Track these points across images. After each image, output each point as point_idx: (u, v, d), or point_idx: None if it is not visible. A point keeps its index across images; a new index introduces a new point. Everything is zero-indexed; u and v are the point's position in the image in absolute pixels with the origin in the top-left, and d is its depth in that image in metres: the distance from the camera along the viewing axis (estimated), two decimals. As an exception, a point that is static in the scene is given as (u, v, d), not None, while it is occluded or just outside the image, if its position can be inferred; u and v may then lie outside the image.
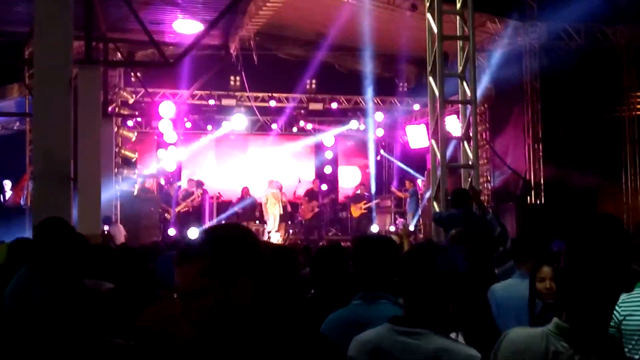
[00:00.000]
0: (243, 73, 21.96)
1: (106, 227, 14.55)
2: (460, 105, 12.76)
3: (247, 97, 23.82)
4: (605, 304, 2.42)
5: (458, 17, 12.22)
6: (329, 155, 26.67)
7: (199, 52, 18.72)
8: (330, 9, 18.89)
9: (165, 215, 20.96)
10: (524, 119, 19.84)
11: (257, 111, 24.66)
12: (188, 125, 24.78)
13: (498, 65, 19.27)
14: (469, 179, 11.85)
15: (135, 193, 20.38)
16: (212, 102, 24.00)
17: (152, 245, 12.92)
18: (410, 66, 23.33)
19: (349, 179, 27.20)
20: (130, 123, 22.62)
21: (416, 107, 24.42)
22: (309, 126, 25.96)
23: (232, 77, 23.01)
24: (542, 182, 19.70)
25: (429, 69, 11.93)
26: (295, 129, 26.09)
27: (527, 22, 18.99)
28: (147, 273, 5.39)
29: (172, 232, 19.86)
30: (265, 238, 21.66)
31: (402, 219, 21.94)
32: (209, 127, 25.13)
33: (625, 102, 19.85)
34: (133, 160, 20.90)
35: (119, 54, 19.30)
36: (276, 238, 21.09)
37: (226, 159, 25.68)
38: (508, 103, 20.12)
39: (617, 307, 4.64)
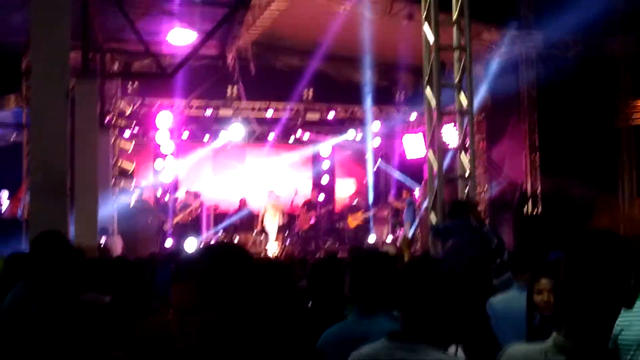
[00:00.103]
0: (240, 83, 21.96)
1: (103, 239, 14.53)
2: (457, 115, 12.76)
3: (244, 107, 23.81)
4: (604, 321, 2.42)
5: (454, 27, 12.23)
6: (326, 165, 26.66)
7: (196, 63, 18.74)
8: (327, 18, 18.90)
9: (164, 226, 20.94)
10: (521, 129, 19.86)
11: (254, 121, 24.65)
12: (185, 135, 24.78)
13: (495, 75, 19.29)
14: (466, 190, 11.84)
15: (133, 204, 20.35)
16: (209, 112, 23.97)
17: (149, 257, 12.91)
18: (407, 75, 23.34)
19: (345, 190, 27.19)
20: (127, 134, 22.60)
21: (413, 116, 24.43)
22: (306, 136, 25.96)
23: (229, 87, 22.99)
24: (539, 192, 19.71)
25: (425, 79, 11.94)
26: (292, 139, 26.08)
27: (523, 32, 19.01)
28: (144, 285, 5.38)
29: (169, 243, 19.83)
30: (263, 249, 21.68)
31: (402, 231, 21.92)
32: (206, 138, 25.13)
33: (622, 111, 19.88)
34: (130, 171, 20.88)
35: (116, 65, 19.31)
36: (273, 249, 21.07)
37: (223, 170, 25.65)
38: (505, 112, 20.13)
39: (615, 320, 4.64)
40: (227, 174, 25.47)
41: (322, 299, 4.92)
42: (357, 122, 25.60)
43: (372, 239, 22.90)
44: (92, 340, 3.48)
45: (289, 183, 23.98)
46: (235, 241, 21.66)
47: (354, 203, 24.54)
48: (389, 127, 25.68)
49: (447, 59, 14.09)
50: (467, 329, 3.15)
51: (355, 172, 27.56)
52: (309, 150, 26.38)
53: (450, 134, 18.06)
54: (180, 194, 23.26)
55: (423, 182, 20.33)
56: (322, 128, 26.03)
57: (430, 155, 11.80)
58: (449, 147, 13.69)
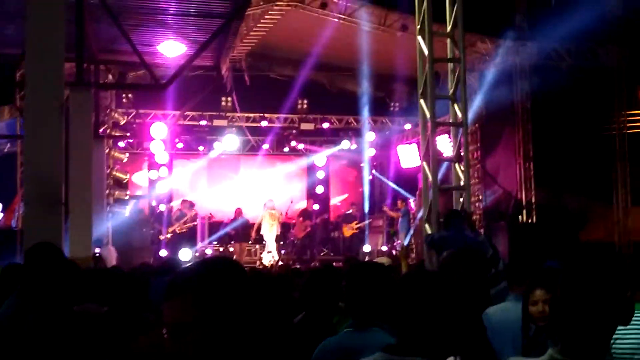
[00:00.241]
0: (234, 94, 21.98)
1: (97, 250, 14.50)
2: (451, 126, 12.78)
3: (239, 117, 23.83)
4: (601, 337, 2.41)
5: (448, 39, 12.26)
6: (320, 175, 26.68)
7: (190, 73, 18.74)
8: (321, 29, 18.95)
9: (159, 236, 20.92)
10: (515, 139, 19.88)
11: (248, 131, 24.68)
12: (180, 145, 24.80)
13: (489, 85, 19.32)
14: (461, 200, 11.85)
15: (127, 214, 20.31)
16: (203, 122, 24.01)
17: (141, 266, 12.87)
18: (402, 86, 23.38)
19: (340, 199, 27.22)
20: (121, 144, 22.61)
21: (407, 126, 24.48)
22: (301, 146, 25.99)
23: (223, 98, 23.02)
24: (533, 201, 19.72)
25: (419, 90, 11.96)
26: (286, 149, 26.12)
27: (517, 42, 19.05)
28: (139, 296, 5.37)
29: (163, 253, 19.80)
30: (258, 258, 21.66)
31: (399, 241, 21.91)
32: (201, 148, 25.17)
33: (616, 120, 19.91)
34: (124, 181, 20.86)
35: (110, 76, 19.30)
36: (268, 258, 21.05)
37: (218, 180, 25.67)
38: (499, 122, 20.15)
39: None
40: (221, 184, 25.49)
41: (316, 310, 4.91)
42: (352, 132, 25.64)
43: (367, 248, 22.89)
44: (86, 352, 3.46)
45: (283, 193, 23.97)
46: (231, 250, 21.66)
47: (349, 212, 24.54)
48: (383, 137, 25.72)
49: (441, 69, 14.12)
50: (464, 341, 3.14)
51: (349, 181, 27.59)
52: (303, 160, 26.41)
53: (445, 144, 18.08)
54: (175, 204, 23.24)
55: (418, 192, 20.34)
56: (317, 138, 26.09)
57: (425, 166, 11.81)
58: (444, 156, 13.68)
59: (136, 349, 4.15)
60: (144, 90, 21.65)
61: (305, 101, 24.44)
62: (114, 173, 19.94)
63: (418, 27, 12.16)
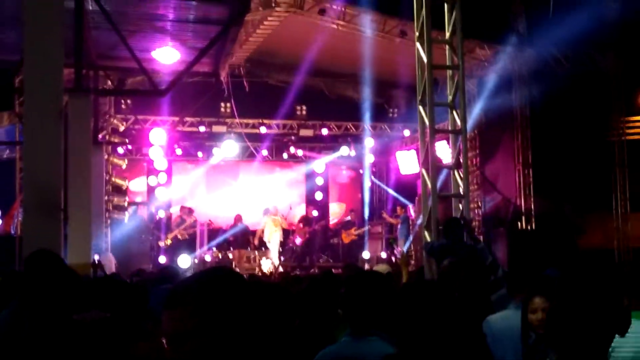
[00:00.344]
0: (233, 100, 21.98)
1: (97, 256, 14.49)
2: (450, 133, 12.77)
3: (238, 123, 23.83)
4: (598, 347, 2.41)
5: (447, 47, 12.25)
6: (319, 181, 26.69)
7: (189, 80, 18.76)
8: (320, 35, 18.96)
9: (159, 242, 20.92)
10: (514, 145, 19.87)
11: (247, 138, 24.67)
12: (178, 152, 24.81)
13: (488, 92, 19.33)
14: (460, 207, 11.84)
15: (126, 221, 20.32)
16: (202, 128, 24.01)
17: (137, 272, 12.87)
18: (401, 92, 23.39)
19: (339, 206, 27.23)
20: (120, 150, 22.61)
21: (406, 133, 24.49)
22: (300, 152, 26.00)
23: (222, 104, 23.01)
24: (532, 207, 19.71)
25: (418, 97, 11.95)
26: (285, 156, 26.13)
27: (516, 48, 19.06)
28: (137, 304, 5.36)
29: (162, 259, 19.79)
30: (257, 265, 21.61)
31: (399, 248, 21.90)
32: (200, 154, 25.18)
33: (615, 127, 19.92)
34: (123, 187, 20.86)
35: (109, 82, 19.31)
36: (267, 265, 21.01)
37: (217, 186, 25.66)
38: (498, 129, 20.16)
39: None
40: (220, 190, 25.49)
41: (314, 318, 4.90)
42: (351, 138, 25.65)
43: (366, 254, 22.88)
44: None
45: (282, 199, 23.96)
46: (230, 257, 21.63)
47: (348, 219, 24.53)
48: (382, 143, 25.73)
49: (440, 75, 14.12)
50: (463, 350, 3.13)
51: (349, 188, 27.60)
52: (302, 167, 26.42)
53: (444, 151, 18.08)
54: (174, 210, 23.24)
55: (417, 199, 20.34)
56: (316, 144, 26.09)
57: (424, 173, 11.80)
58: (443, 163, 13.67)
59: (135, 356, 4.14)
60: (143, 96, 21.67)
61: (304, 107, 24.44)
62: (112, 179, 19.94)
63: (417, 33, 12.15)
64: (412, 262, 18.95)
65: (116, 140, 20.72)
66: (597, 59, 19.59)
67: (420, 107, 11.94)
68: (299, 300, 5.30)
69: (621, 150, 19.78)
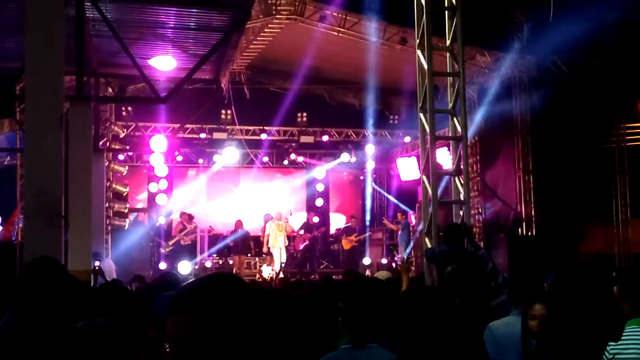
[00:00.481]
0: (233, 107, 21.99)
1: (97, 263, 14.48)
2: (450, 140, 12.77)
3: (238, 130, 23.85)
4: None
5: (448, 54, 12.26)
6: (320, 187, 26.71)
7: (190, 86, 18.77)
8: (320, 42, 19.00)
9: (160, 249, 20.93)
10: (514, 151, 19.89)
11: (248, 144, 24.69)
12: (179, 158, 24.85)
13: (488, 98, 19.35)
14: (461, 214, 11.83)
15: (127, 227, 20.32)
16: (203, 135, 24.05)
17: (134, 278, 12.88)
18: (401, 99, 23.42)
19: (340, 212, 27.25)
20: (121, 157, 22.63)
21: (407, 139, 24.51)
22: (300, 159, 26.02)
23: (223, 111, 23.05)
24: (532, 214, 19.72)
25: (419, 105, 11.93)
26: (286, 162, 26.16)
27: (516, 55, 19.10)
28: (139, 311, 5.36)
29: (163, 266, 19.78)
30: (258, 270, 21.61)
31: (399, 254, 21.90)
32: (200, 161, 25.23)
33: (615, 133, 19.96)
34: (124, 194, 20.85)
35: (110, 89, 19.33)
36: (268, 271, 21.01)
37: (218, 192, 25.68)
38: (498, 135, 20.18)
39: (607, 346, 4.64)
40: (221, 197, 25.51)
41: (314, 325, 4.90)
42: (351, 145, 25.67)
43: (367, 260, 22.88)
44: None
45: (283, 206, 23.94)
46: (230, 263, 21.64)
47: (349, 225, 24.53)
48: (383, 150, 25.76)
49: (440, 82, 14.12)
50: (464, 357, 3.13)
51: (349, 194, 27.61)
52: (303, 173, 26.44)
53: (444, 157, 18.09)
54: (175, 217, 23.25)
55: (417, 205, 20.33)
56: (317, 151, 26.13)
57: (424, 179, 11.79)
58: (443, 169, 13.68)
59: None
60: (144, 104, 21.69)
61: (304, 114, 24.49)
62: (113, 186, 19.93)
63: (417, 40, 12.15)
64: (413, 268, 18.93)
65: (117, 147, 20.71)
66: (597, 66, 19.63)
67: (421, 114, 11.93)
68: (299, 307, 5.31)
69: (621, 157, 19.82)
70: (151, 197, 24.22)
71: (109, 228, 19.05)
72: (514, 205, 19.78)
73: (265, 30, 18.92)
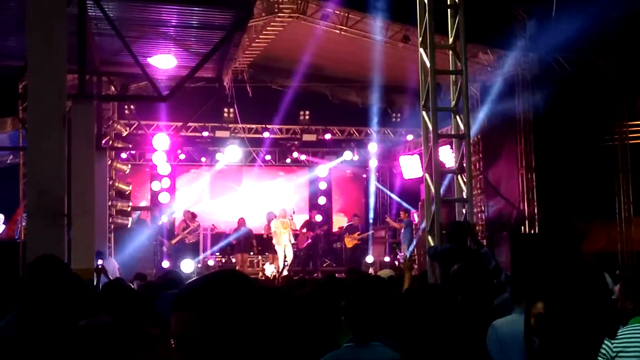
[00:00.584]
0: (236, 105, 22.00)
1: (100, 262, 14.50)
2: (453, 138, 12.78)
3: (241, 128, 23.85)
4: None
5: (450, 52, 12.26)
6: (323, 186, 26.70)
7: (192, 85, 18.77)
8: (322, 40, 18.98)
9: (162, 247, 20.94)
10: (517, 149, 19.87)
11: (250, 143, 24.70)
12: (182, 157, 24.87)
13: (491, 96, 19.34)
14: (464, 212, 11.84)
15: (130, 225, 20.33)
16: (205, 133, 24.05)
17: (136, 276, 12.91)
18: (403, 97, 23.41)
19: (342, 210, 27.26)
20: (124, 155, 22.62)
21: (410, 137, 24.50)
22: (303, 157, 26.03)
23: (225, 109, 23.05)
24: (535, 212, 19.70)
25: (422, 103, 11.94)
26: (288, 160, 26.17)
27: (519, 53, 19.08)
28: (142, 310, 5.36)
29: (166, 264, 19.80)
30: (261, 269, 21.61)
31: (402, 253, 21.88)
32: (203, 159, 25.25)
33: (618, 131, 19.93)
34: (127, 192, 20.86)
35: (112, 87, 19.33)
36: (271, 269, 21.01)
37: (220, 191, 25.68)
38: (501, 133, 20.17)
39: (610, 343, 4.63)
40: (223, 195, 25.51)
41: (317, 323, 4.90)
42: (354, 143, 25.67)
43: (369, 259, 22.88)
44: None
45: (285, 204, 23.94)
46: (233, 261, 21.65)
47: (351, 223, 24.53)
48: (385, 148, 25.75)
49: (443, 80, 14.13)
50: (466, 355, 3.13)
51: (352, 193, 27.60)
52: (305, 171, 26.44)
53: (447, 155, 18.09)
54: (177, 215, 23.26)
55: (420, 203, 20.34)
56: (319, 149, 26.13)
57: (427, 177, 11.79)
58: (446, 167, 13.67)
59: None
60: (146, 102, 21.70)
61: (307, 112, 24.49)
62: (116, 184, 19.93)
63: (420, 38, 12.16)
64: (416, 266, 18.94)
65: (119, 146, 20.70)
66: (599, 64, 19.61)
67: (424, 112, 11.94)
68: (302, 305, 5.30)
69: (624, 155, 19.79)
70: (154, 196, 24.23)
71: (112, 226, 19.05)
72: (517, 203, 19.76)
73: (268, 28, 18.92)
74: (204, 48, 15.28)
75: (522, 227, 19.58)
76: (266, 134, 24.64)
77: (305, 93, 23.14)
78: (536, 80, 19.33)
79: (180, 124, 21.82)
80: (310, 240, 23.08)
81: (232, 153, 24.26)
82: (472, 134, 16.33)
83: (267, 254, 22.30)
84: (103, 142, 18.73)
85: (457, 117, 12.03)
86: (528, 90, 19.47)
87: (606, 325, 2.45)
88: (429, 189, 11.85)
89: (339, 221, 26.86)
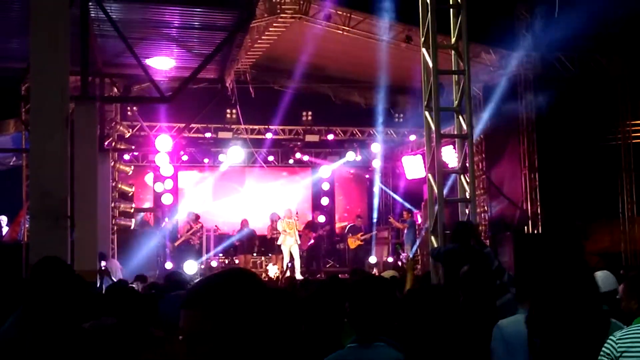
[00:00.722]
0: (238, 106, 22.00)
1: (103, 263, 14.51)
2: (456, 138, 12.78)
3: (244, 129, 23.85)
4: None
5: (453, 52, 12.26)
6: (325, 186, 26.71)
7: (195, 86, 18.77)
8: (325, 41, 18.99)
9: (165, 249, 20.94)
10: (520, 149, 19.87)
11: (253, 143, 24.71)
12: (185, 158, 24.87)
13: (493, 96, 19.33)
14: (467, 212, 11.84)
15: (133, 227, 20.35)
16: (208, 135, 24.06)
17: (137, 278, 12.92)
18: (406, 97, 23.38)
19: (345, 211, 27.27)
20: (127, 157, 22.64)
21: (412, 137, 24.49)
22: (306, 158, 26.02)
23: (228, 110, 23.03)
24: (538, 211, 19.70)
25: (424, 103, 11.95)
26: (291, 161, 26.16)
27: (521, 53, 19.06)
28: (146, 311, 5.37)
29: (169, 265, 19.80)
30: (264, 270, 21.59)
31: (405, 253, 21.88)
32: (206, 160, 25.25)
33: (621, 130, 19.92)
34: (130, 194, 20.87)
35: (115, 89, 19.34)
36: (274, 270, 21.00)
37: (223, 192, 25.68)
38: (504, 133, 20.16)
39: (614, 343, 4.62)
40: (226, 196, 25.52)
41: (320, 324, 4.90)
42: (357, 143, 25.66)
43: (373, 259, 22.87)
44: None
45: (288, 205, 23.94)
46: (236, 262, 21.64)
47: (355, 224, 24.52)
48: (388, 148, 25.74)
49: (445, 80, 14.13)
50: (469, 356, 3.13)
51: (355, 193, 27.60)
52: (308, 172, 26.45)
53: (450, 155, 18.09)
54: (180, 217, 23.27)
55: (423, 204, 20.34)
56: (322, 150, 26.13)
57: (430, 178, 11.79)
58: (449, 167, 13.67)
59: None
60: (149, 103, 21.70)
61: (309, 113, 24.48)
62: (119, 186, 19.95)
63: (422, 39, 12.16)
64: (419, 266, 18.93)
65: (122, 147, 20.72)
66: (602, 63, 19.59)
67: (426, 112, 11.95)
68: (305, 306, 5.30)
69: (627, 154, 19.78)
70: (157, 197, 24.23)
71: (115, 228, 19.06)
72: (520, 203, 19.75)
73: (270, 29, 18.91)
74: (206, 49, 15.27)
75: (525, 227, 19.57)
76: (269, 135, 24.65)
77: (308, 94, 23.15)
78: (539, 80, 19.32)
79: (183, 125, 21.83)
80: (312, 241, 23.07)
81: (234, 154, 24.26)
82: (475, 134, 16.31)
83: (270, 255, 22.30)
84: (106, 143, 18.75)
85: (460, 117, 12.04)
86: (531, 90, 19.47)
87: (595, 324, 2.46)
88: (431, 189, 11.85)
89: (342, 222, 26.86)
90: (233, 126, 23.68)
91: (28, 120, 13.36)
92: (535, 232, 19.48)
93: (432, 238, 11.57)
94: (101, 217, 14.47)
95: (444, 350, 2.93)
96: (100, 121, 16.95)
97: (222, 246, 22.55)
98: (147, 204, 24.84)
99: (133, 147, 21.99)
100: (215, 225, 23.39)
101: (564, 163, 19.12)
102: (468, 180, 11.81)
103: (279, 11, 18.20)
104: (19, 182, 18.91)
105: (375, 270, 20.62)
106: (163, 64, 16.68)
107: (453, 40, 12.21)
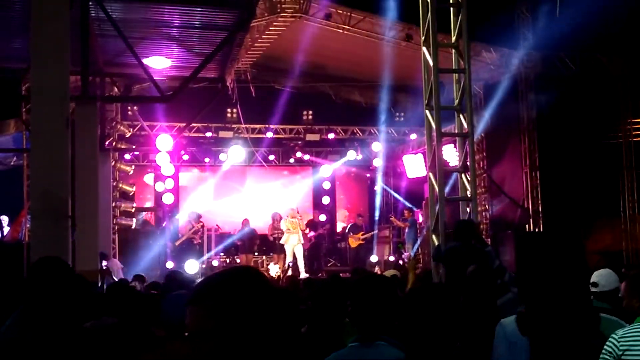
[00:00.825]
0: (239, 105, 21.99)
1: (104, 263, 14.51)
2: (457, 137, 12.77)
3: (244, 128, 23.85)
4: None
5: (453, 50, 12.25)
6: (326, 185, 26.71)
7: (195, 85, 18.76)
8: (325, 40, 18.99)
9: (166, 248, 20.93)
10: (521, 148, 19.87)
11: (254, 143, 24.71)
12: (185, 157, 24.87)
13: (494, 95, 19.32)
14: (468, 211, 11.83)
15: (134, 226, 20.34)
16: (209, 134, 24.05)
17: (135, 277, 12.91)
18: (407, 95, 23.37)
19: (346, 210, 27.27)
20: (127, 156, 22.64)
21: (413, 136, 24.50)
22: (306, 157, 26.02)
23: (228, 109, 23.04)
24: (540, 210, 19.69)
25: (425, 101, 11.94)
26: (292, 160, 26.15)
27: (522, 51, 19.06)
28: (146, 311, 5.36)
29: (170, 265, 19.80)
30: (267, 269, 21.57)
31: (406, 252, 21.86)
32: (207, 160, 25.25)
33: (622, 128, 19.91)
34: (131, 193, 20.87)
35: (115, 89, 19.33)
36: (275, 270, 20.98)
37: (224, 191, 25.69)
38: (505, 132, 20.15)
39: (615, 341, 4.62)
40: (227, 195, 25.52)
41: (322, 323, 4.89)
42: (357, 142, 25.65)
43: (374, 258, 22.86)
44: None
45: (289, 204, 23.94)
46: (237, 262, 21.63)
47: (356, 223, 24.51)
48: (389, 147, 25.73)
49: (446, 78, 14.12)
50: (471, 355, 3.13)
51: (355, 192, 27.60)
52: (309, 171, 26.45)
53: (451, 154, 18.08)
54: (181, 216, 23.27)
55: (424, 202, 20.33)
56: (322, 149, 26.12)
57: (431, 176, 11.79)
58: (450, 166, 13.67)
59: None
60: (149, 103, 21.69)
61: (310, 112, 24.48)
62: (120, 185, 19.94)
63: (423, 37, 12.15)
64: (420, 265, 18.92)
65: (123, 147, 20.71)
66: (603, 61, 19.58)
67: (427, 111, 11.94)
68: (307, 305, 5.30)
69: (628, 152, 19.78)
70: (158, 197, 24.23)
71: (116, 228, 19.06)
72: (521, 202, 19.74)
73: (270, 28, 18.91)
74: (206, 48, 15.26)
75: (526, 226, 19.56)
76: (269, 134, 24.65)
77: (308, 93, 23.15)
78: (540, 79, 19.32)
79: (184, 124, 21.81)
80: (313, 240, 23.06)
81: (235, 153, 24.25)
82: (476, 133, 16.31)
83: (271, 254, 22.29)
84: (106, 143, 18.75)
85: (461, 116, 12.03)
86: (531, 89, 19.47)
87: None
88: (433, 188, 11.84)
89: (343, 221, 26.86)
90: (234, 125, 23.67)
91: (29, 120, 13.35)
92: (537, 230, 19.46)
93: (433, 237, 11.56)
94: (102, 216, 14.48)
95: (445, 349, 2.93)
96: (100, 121, 16.94)
97: (223, 245, 22.54)
98: (148, 204, 24.84)
99: (134, 146, 21.98)
100: (216, 225, 23.37)
101: (565, 161, 19.12)
102: (469, 179, 11.80)
103: (279, 10, 18.20)
104: (20, 182, 18.92)
105: (376, 269, 20.60)
106: (158, 63, 16.66)
107: (453, 38, 12.20)
